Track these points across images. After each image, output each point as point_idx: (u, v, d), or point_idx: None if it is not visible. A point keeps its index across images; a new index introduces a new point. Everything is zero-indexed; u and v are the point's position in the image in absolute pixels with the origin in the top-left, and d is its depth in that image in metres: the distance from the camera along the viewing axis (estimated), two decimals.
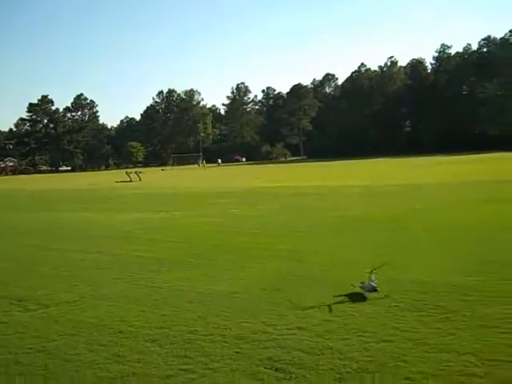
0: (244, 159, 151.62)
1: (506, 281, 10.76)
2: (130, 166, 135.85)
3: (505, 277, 11.05)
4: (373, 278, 9.86)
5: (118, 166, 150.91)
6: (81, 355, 7.92)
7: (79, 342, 8.49)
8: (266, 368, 7.12)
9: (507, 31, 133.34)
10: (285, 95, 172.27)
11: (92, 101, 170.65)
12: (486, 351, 7.27)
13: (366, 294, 9.65)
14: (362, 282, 9.89)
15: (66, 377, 7.20)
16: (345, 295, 9.92)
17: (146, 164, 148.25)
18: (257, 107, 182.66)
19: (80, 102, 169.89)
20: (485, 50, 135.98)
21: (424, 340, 7.79)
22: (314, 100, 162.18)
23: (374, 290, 9.64)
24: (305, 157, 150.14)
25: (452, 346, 7.50)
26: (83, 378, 7.14)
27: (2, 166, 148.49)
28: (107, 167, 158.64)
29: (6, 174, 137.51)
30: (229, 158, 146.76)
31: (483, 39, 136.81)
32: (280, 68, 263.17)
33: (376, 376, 6.69)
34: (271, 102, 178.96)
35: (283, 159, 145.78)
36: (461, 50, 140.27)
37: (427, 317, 8.79)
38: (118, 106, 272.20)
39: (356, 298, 9.69)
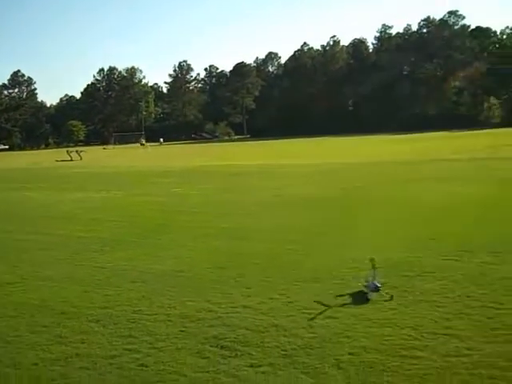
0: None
1: (442, 257, 11.08)
2: (71, 144, 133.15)
3: (441, 253, 11.37)
4: (375, 276, 8.82)
5: (58, 145, 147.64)
6: (22, 337, 7.81)
7: (21, 323, 8.35)
8: (211, 346, 7.15)
9: (446, 12, 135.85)
10: (228, 74, 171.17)
11: (30, 78, 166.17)
12: (425, 325, 7.47)
13: (370, 295, 8.64)
14: (367, 281, 8.88)
15: (7, 358, 7.08)
16: (347, 294, 8.93)
17: (87, 143, 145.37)
18: (199, 85, 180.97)
19: (17, 79, 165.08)
20: (424, 30, 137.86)
21: (366, 315, 7.95)
22: (256, 78, 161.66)
23: (377, 289, 8.70)
24: (248, 135, 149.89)
25: (393, 321, 7.68)
26: (25, 359, 7.04)
27: None
28: (47, 146, 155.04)
29: None
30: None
31: (423, 20, 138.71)
32: (223, 46, 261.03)
33: (320, 352, 6.79)
34: (214, 80, 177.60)
35: (227, 138, 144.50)
36: (401, 31, 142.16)
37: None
38: (57, 84, 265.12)
39: (359, 299, 8.65)
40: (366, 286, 8.84)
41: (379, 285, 8.71)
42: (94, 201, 23.61)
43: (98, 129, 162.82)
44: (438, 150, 46.47)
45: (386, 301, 8.41)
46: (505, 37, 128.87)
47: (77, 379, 6.41)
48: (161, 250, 13.09)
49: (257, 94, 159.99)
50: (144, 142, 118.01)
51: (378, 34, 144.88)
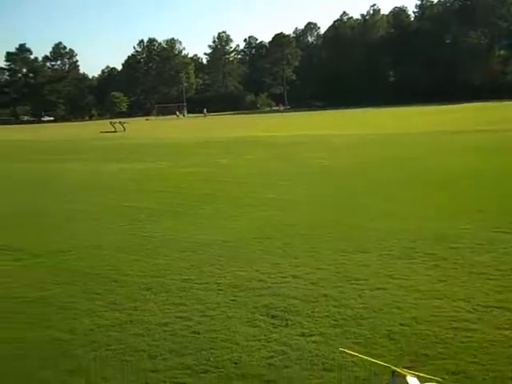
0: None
1: (492, 229, 10.90)
2: (114, 116, 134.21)
3: (491, 225, 11.19)
4: None
5: (101, 117, 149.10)
6: (77, 303, 7.98)
7: (75, 290, 8.54)
8: (261, 315, 7.21)
9: None
10: (267, 44, 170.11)
11: (71, 50, 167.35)
12: (477, 297, 7.38)
13: None
14: None
15: (63, 324, 7.26)
16: None
17: (129, 114, 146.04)
18: (239, 56, 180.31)
19: (59, 51, 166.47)
20: None
21: (416, 287, 7.90)
22: (296, 49, 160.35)
23: None
24: (288, 107, 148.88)
25: (444, 293, 7.62)
26: (81, 325, 7.20)
27: None
28: (91, 118, 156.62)
29: None
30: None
31: None
32: (261, 17, 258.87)
33: (371, 322, 6.80)
34: (253, 51, 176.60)
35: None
36: None
37: (418, 264, 8.91)
38: (98, 55, 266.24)
39: None
40: None
41: None
42: (140, 172, 23.84)
43: (140, 100, 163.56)
44: (484, 120, 45.50)
45: None
46: None
47: (132, 345, 6.53)
48: (207, 219, 13.20)
49: (296, 64, 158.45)
50: (178, 114, 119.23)
51: (418, 2, 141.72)
